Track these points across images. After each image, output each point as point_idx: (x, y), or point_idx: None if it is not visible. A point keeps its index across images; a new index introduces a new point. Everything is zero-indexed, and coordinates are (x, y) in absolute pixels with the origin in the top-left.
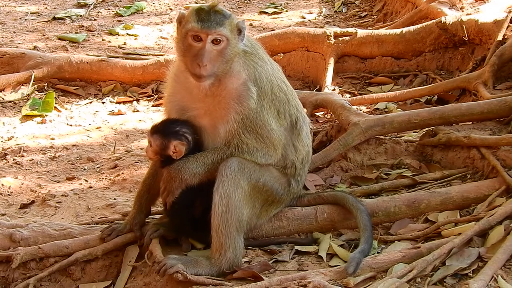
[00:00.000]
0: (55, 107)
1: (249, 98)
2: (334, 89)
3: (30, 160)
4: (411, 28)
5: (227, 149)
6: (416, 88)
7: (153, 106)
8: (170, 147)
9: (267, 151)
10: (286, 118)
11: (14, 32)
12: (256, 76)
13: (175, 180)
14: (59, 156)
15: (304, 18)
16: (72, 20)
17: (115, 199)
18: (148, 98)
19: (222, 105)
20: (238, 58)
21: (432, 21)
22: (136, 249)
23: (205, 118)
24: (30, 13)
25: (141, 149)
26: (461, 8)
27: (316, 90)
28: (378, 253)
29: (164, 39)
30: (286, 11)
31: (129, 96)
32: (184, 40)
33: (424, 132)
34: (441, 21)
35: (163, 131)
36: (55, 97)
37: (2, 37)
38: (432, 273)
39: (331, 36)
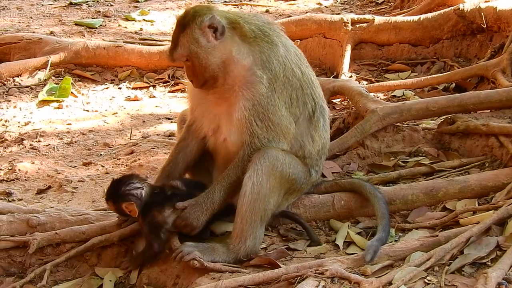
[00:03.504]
0: (71, 92)
1: (257, 83)
2: (351, 76)
3: (46, 145)
4: (429, 15)
5: (241, 158)
6: (433, 76)
7: (169, 92)
8: (123, 209)
9: (279, 139)
10: (299, 106)
11: (31, 18)
12: (263, 59)
13: (194, 227)
14: (75, 142)
15: (321, 4)
16: (89, 6)
17: None
18: (165, 84)
19: (233, 93)
20: (240, 46)
21: (450, 8)
22: None
23: (220, 106)
24: None
25: (157, 135)
26: None
27: (333, 77)
28: (395, 241)
29: None
30: None
31: (146, 82)
32: None
33: (442, 120)
34: (459, 8)
35: (112, 196)
36: (71, 83)
37: (19, 23)
38: (450, 261)
39: (348, 22)
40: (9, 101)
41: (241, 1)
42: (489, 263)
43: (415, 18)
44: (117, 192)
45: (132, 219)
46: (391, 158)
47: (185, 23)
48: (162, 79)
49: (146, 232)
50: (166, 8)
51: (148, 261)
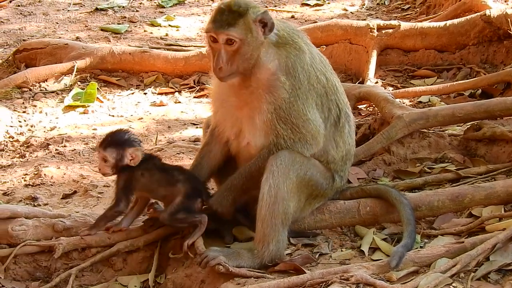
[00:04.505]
0: (97, 97)
1: (279, 88)
2: (377, 82)
3: (72, 150)
4: (455, 21)
5: (266, 152)
6: (459, 82)
7: (195, 97)
8: (126, 155)
9: (305, 142)
10: (324, 112)
11: (57, 23)
12: (288, 65)
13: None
14: None
15: (346, 10)
16: (115, 11)
17: None
18: (190, 90)
19: (255, 96)
20: (268, 48)
21: (476, 14)
22: (178, 240)
23: (243, 109)
24: (73, 4)
25: (182, 140)
26: (505, 1)
27: (358, 83)
28: (421, 247)
29: None
30: (328, 3)
31: (171, 87)
32: (206, 40)
33: (468, 126)
34: (485, 14)
35: (115, 142)
36: (97, 88)
37: (45, 28)
38: (476, 268)
39: (374, 28)
40: (35, 106)
41: (266, 6)
42: None
43: (441, 24)
44: (122, 137)
45: (158, 224)
46: (417, 164)
47: (240, 11)
48: (187, 84)
49: (118, 188)
50: (192, 14)
51: (109, 219)
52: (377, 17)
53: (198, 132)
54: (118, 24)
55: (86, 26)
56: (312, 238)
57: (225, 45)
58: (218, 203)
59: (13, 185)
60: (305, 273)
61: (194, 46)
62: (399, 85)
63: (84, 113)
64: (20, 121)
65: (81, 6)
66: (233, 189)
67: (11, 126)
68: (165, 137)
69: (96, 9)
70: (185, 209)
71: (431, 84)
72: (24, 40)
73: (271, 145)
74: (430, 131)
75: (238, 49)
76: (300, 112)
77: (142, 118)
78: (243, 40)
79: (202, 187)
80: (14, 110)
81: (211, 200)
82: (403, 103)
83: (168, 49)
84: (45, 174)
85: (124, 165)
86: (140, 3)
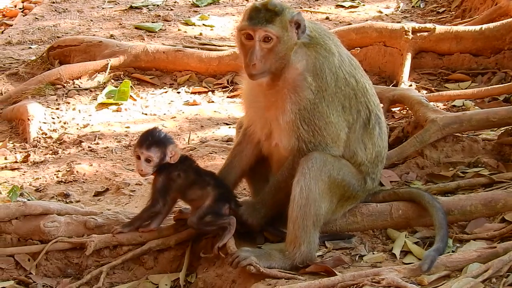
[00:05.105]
0: (130, 95)
1: (305, 88)
2: (411, 85)
3: (105, 148)
4: (491, 25)
5: (291, 160)
6: (494, 86)
7: (228, 97)
8: (167, 153)
9: (326, 145)
10: (352, 114)
11: (91, 20)
12: (316, 67)
13: (249, 224)
14: (133, 145)
15: (381, 12)
16: (149, 10)
17: None
18: (223, 89)
19: (281, 96)
20: (298, 49)
21: None
22: (209, 240)
23: (270, 110)
24: (107, 2)
25: (215, 140)
26: None
27: (392, 86)
28: (453, 251)
29: None
30: (363, 5)
31: (204, 87)
32: (239, 38)
33: (502, 131)
34: None
35: (156, 142)
36: (130, 86)
37: (80, 25)
38: (508, 273)
39: (409, 31)
40: (68, 103)
41: (301, 8)
42: None
43: (477, 28)
44: (160, 135)
45: (187, 226)
46: (450, 168)
47: (276, 10)
48: (221, 84)
49: (155, 189)
50: (226, 14)
51: (145, 219)
52: (412, 20)
53: (231, 132)
54: (152, 22)
55: (120, 24)
56: (348, 241)
57: (260, 42)
58: (249, 214)
59: (46, 181)
60: (336, 275)
61: (228, 46)
62: (433, 88)
63: (117, 111)
64: (53, 118)
65: (116, 4)
66: (265, 202)
67: (44, 123)
68: (198, 136)
69: (131, 7)
70: (213, 212)
71: (466, 88)
72: (58, 37)
73: (295, 151)
74: (463, 135)
75: (273, 47)
76: (324, 114)
77: (175, 117)
78: (280, 38)
79: (231, 195)
80: (48, 107)
81: (242, 209)
82: (437, 106)
83: (202, 49)
84: (77, 171)
85: (164, 163)
86: (175, 2)
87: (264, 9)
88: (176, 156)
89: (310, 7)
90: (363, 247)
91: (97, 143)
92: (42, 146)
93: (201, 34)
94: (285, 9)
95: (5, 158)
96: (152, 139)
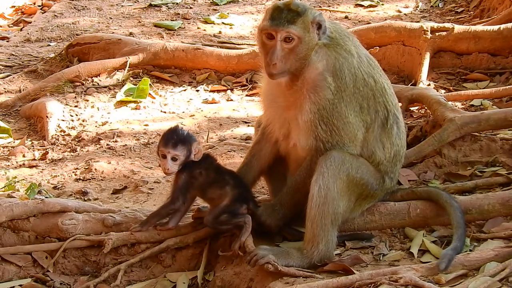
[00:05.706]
0: (149, 93)
1: (325, 88)
2: (429, 84)
3: (123, 146)
4: (509, 25)
5: (308, 161)
6: None
7: (247, 95)
8: (192, 151)
9: (343, 145)
10: (370, 114)
11: (110, 18)
12: (336, 67)
13: (268, 225)
14: (152, 143)
15: (400, 12)
16: (168, 8)
17: None
18: (242, 88)
19: (300, 96)
20: (319, 49)
21: None
22: (227, 238)
23: (290, 110)
24: (127, 0)
25: (234, 138)
26: None
27: (411, 85)
28: (470, 250)
29: None
30: (382, 4)
31: (223, 85)
32: (260, 38)
33: None
34: None
35: (181, 140)
36: (149, 84)
37: (99, 23)
38: None
39: (427, 31)
40: (87, 100)
41: (320, 7)
42: None
43: (495, 27)
44: (183, 133)
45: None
46: (468, 168)
47: (299, 11)
48: (240, 82)
49: (177, 186)
50: (245, 12)
51: (163, 216)
52: (430, 20)
53: (250, 130)
54: (171, 20)
55: (139, 22)
56: (368, 241)
57: (282, 42)
58: (267, 215)
59: (64, 179)
60: (354, 273)
61: (247, 44)
62: (451, 88)
63: (136, 108)
64: (72, 115)
65: (135, 2)
66: (283, 203)
67: (63, 120)
68: (217, 135)
69: (150, 5)
70: (230, 212)
71: (484, 88)
72: (77, 35)
73: (312, 150)
74: (481, 134)
75: (294, 47)
76: (342, 114)
77: (193, 115)
78: (301, 38)
79: (249, 195)
80: (66, 104)
81: (260, 210)
82: (455, 106)
83: (221, 47)
84: (95, 169)
85: (188, 161)
86: (194, 0)
87: (287, 9)
88: (200, 154)
89: (329, 6)
90: (382, 246)
91: (116, 141)
92: (61, 144)
93: (220, 32)
94: (307, 9)
95: (24, 156)
96: (177, 138)
